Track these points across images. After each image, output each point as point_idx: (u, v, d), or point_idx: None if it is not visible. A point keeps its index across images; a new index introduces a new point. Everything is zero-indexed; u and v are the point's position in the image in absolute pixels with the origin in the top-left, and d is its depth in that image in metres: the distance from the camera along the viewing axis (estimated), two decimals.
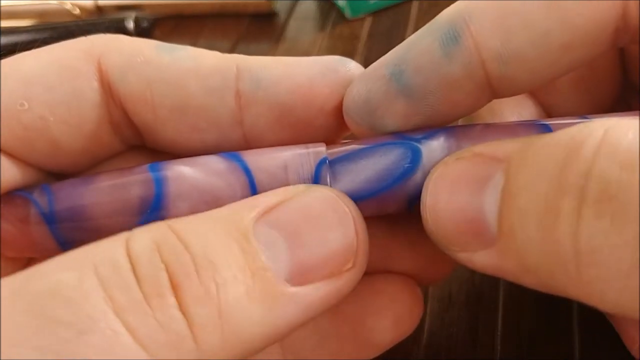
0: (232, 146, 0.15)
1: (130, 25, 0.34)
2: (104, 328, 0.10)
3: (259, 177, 0.13)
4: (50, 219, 0.13)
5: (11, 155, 0.14)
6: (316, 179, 0.13)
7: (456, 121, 0.15)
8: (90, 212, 0.13)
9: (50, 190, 0.14)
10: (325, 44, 0.33)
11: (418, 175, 0.13)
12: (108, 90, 0.14)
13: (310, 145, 0.14)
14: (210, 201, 0.13)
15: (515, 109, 0.16)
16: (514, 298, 0.20)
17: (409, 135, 0.14)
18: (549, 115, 0.18)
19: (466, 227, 0.12)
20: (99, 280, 0.10)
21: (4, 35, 0.33)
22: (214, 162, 0.14)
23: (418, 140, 0.14)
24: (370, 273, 0.16)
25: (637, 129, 0.10)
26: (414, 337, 0.19)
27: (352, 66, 0.15)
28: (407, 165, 0.13)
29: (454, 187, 0.12)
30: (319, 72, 0.14)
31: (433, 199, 0.13)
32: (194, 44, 0.34)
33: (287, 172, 0.13)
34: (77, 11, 0.36)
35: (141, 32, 0.34)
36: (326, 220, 0.12)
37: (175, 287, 0.10)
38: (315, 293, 0.12)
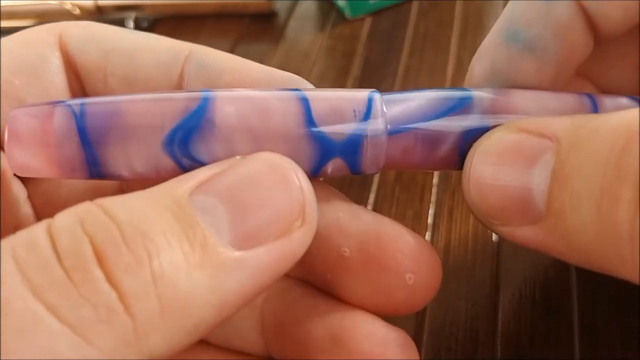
0: None
1: (130, 25, 0.34)
2: (21, 311, 0.09)
3: (314, 101, 0.13)
4: (80, 116, 0.12)
5: None
6: (369, 104, 0.13)
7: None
8: (126, 110, 0.12)
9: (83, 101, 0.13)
10: (325, 44, 0.33)
11: (472, 109, 0.14)
12: (67, 59, 0.15)
13: None
14: (260, 109, 0.13)
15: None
16: (514, 298, 0.20)
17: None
18: None
19: (511, 203, 0.12)
20: (16, 263, 0.10)
21: (4, 35, 0.33)
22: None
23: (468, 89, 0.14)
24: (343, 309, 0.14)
25: None
26: (414, 337, 0.19)
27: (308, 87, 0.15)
28: (459, 100, 0.14)
29: (500, 162, 0.12)
30: (266, 81, 0.15)
31: (477, 173, 0.13)
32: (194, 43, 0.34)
33: (341, 98, 0.13)
34: (77, 11, 0.36)
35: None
36: (266, 179, 0.12)
37: (100, 258, 0.10)
38: (264, 256, 0.11)
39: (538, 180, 0.12)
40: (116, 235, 0.10)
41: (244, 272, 0.11)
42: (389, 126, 0.13)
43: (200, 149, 0.12)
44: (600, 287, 0.19)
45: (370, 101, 0.13)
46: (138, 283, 0.10)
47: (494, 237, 0.22)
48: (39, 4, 0.36)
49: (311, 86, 0.15)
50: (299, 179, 0.12)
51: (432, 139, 0.14)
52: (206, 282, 0.10)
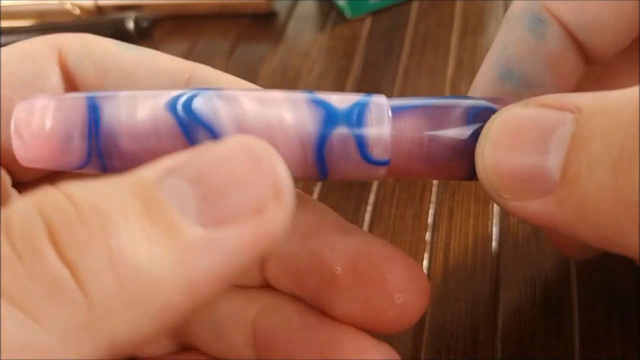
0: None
1: (130, 25, 0.34)
2: None
3: (317, 92, 0.14)
4: (91, 94, 0.13)
5: None
6: (369, 95, 0.14)
7: None
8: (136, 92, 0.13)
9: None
10: (325, 44, 0.33)
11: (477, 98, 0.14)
12: (66, 75, 0.15)
13: None
14: (264, 91, 0.13)
15: None
16: (514, 298, 0.20)
17: None
18: None
19: (525, 174, 0.12)
20: None
21: (4, 35, 0.33)
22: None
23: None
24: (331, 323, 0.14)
25: None
26: (414, 337, 0.19)
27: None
28: (463, 97, 0.14)
29: (518, 135, 0.12)
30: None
31: (494, 145, 0.13)
32: (194, 44, 0.34)
33: (343, 94, 0.14)
34: (77, 11, 0.36)
35: (141, 32, 0.34)
36: (237, 160, 0.11)
37: (53, 236, 0.09)
38: (236, 236, 0.11)
39: (554, 149, 0.11)
40: (71, 213, 0.10)
41: (215, 253, 0.10)
42: (391, 102, 0.14)
43: (203, 107, 0.13)
44: (600, 287, 0.19)
45: (369, 94, 0.14)
46: (92, 260, 0.09)
47: (494, 237, 0.22)
48: (39, 4, 0.36)
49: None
50: (273, 162, 0.11)
51: (439, 114, 0.14)
52: (172, 263, 0.10)
